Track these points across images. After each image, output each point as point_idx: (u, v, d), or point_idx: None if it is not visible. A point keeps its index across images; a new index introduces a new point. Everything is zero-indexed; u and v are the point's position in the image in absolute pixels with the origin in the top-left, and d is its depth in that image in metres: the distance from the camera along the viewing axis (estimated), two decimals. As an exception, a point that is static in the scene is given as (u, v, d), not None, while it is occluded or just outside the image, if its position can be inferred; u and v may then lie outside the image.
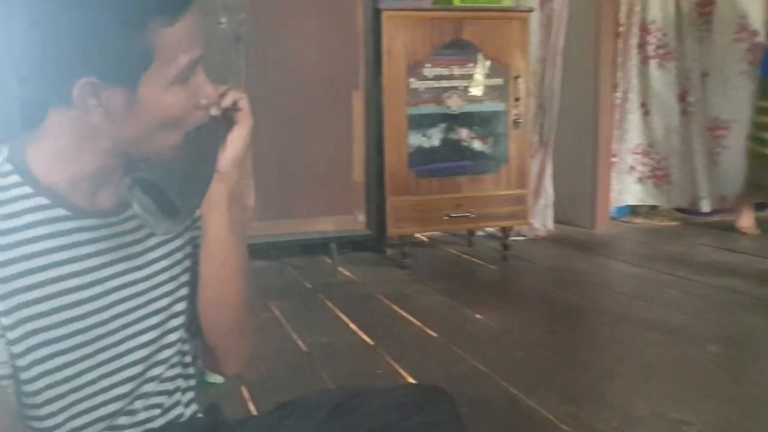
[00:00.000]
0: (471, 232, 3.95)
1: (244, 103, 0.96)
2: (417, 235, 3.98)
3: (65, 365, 0.88)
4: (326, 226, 3.35)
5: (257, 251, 3.55)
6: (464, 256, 3.81)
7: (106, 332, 0.92)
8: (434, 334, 2.55)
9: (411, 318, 2.73)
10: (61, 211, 0.87)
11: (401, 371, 2.21)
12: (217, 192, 0.95)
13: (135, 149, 0.88)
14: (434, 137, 3.52)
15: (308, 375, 2.20)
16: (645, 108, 4.50)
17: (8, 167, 0.85)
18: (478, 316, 2.76)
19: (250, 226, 3.21)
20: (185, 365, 1.06)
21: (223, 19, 3.05)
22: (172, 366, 1.03)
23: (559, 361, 2.31)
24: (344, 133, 3.34)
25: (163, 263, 1.00)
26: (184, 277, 1.03)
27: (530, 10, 3.61)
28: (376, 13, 3.29)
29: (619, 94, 4.44)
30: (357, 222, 3.40)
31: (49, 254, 0.85)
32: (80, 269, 0.89)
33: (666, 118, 4.45)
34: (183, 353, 1.05)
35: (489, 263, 3.62)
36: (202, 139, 0.91)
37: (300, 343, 2.48)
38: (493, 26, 3.42)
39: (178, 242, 1.02)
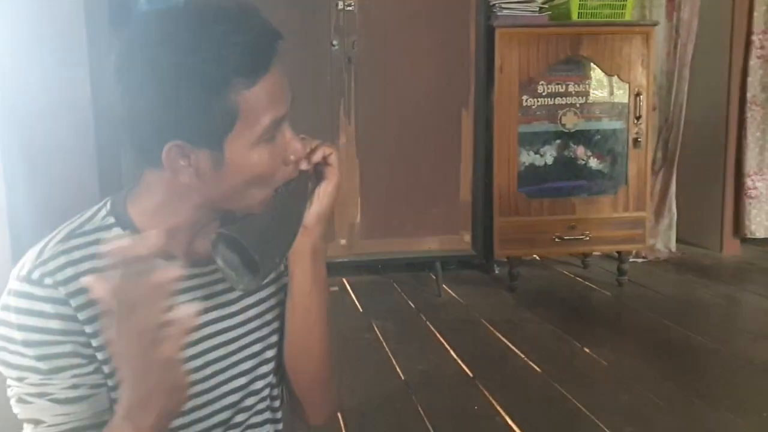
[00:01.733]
0: (586, 254, 3.78)
1: (333, 159, 0.96)
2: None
3: None
4: (431, 245, 3.33)
5: (363, 268, 3.60)
6: (577, 278, 3.66)
7: (200, 378, 0.95)
8: (538, 369, 2.46)
9: (515, 348, 2.65)
10: (157, 261, 0.90)
11: (498, 408, 2.15)
12: (302, 245, 0.95)
13: (226, 205, 0.91)
14: (547, 156, 3.40)
15: (402, 407, 2.19)
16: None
17: (111, 220, 0.91)
18: (586, 350, 2.63)
19: (356, 243, 3.25)
20: (274, 410, 1.07)
21: (335, 42, 3.10)
22: (260, 412, 1.04)
23: (669, 409, 2.16)
24: (452, 152, 3.30)
25: (256, 310, 1.02)
26: (276, 324, 1.04)
27: (654, 24, 3.40)
28: (489, 31, 3.22)
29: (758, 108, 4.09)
30: (463, 242, 3.35)
31: None
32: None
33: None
34: (272, 398, 1.06)
35: (603, 288, 3.46)
36: (290, 194, 0.92)
37: (398, 369, 2.47)
38: (613, 41, 3.26)
39: (271, 289, 1.04)
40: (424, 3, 3.18)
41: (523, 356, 2.57)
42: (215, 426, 0.97)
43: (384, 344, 2.71)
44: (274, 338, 1.04)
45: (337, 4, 3.08)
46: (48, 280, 0.83)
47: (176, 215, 0.90)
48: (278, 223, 0.90)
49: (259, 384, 1.02)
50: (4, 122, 1.28)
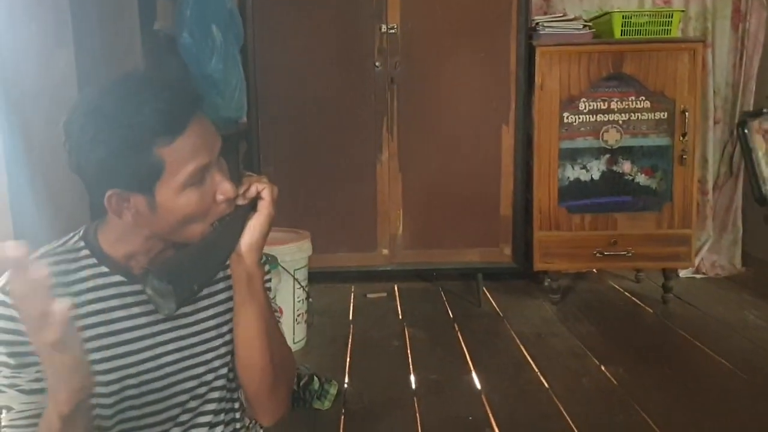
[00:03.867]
0: (638, 269, 3.75)
1: (266, 193, 1.11)
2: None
3: (115, 403, 1.12)
4: (472, 256, 3.45)
5: (415, 275, 3.76)
6: (625, 293, 3.64)
7: (154, 377, 1.15)
8: (545, 384, 2.54)
9: (532, 363, 2.74)
10: (118, 278, 1.12)
11: (492, 420, 2.26)
12: (236, 270, 1.12)
13: (169, 237, 1.10)
14: (594, 171, 3.42)
15: (403, 414, 2.35)
16: None
17: (81, 243, 1.13)
18: (602, 367, 2.68)
19: (398, 253, 3.43)
20: (226, 411, 1.25)
21: (378, 63, 3.28)
22: (203, 414, 1.22)
23: (663, 434, 2.19)
24: (492, 167, 3.40)
25: (212, 322, 1.20)
26: (229, 337, 1.21)
27: (701, 41, 3.32)
28: (530, 49, 3.29)
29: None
30: (503, 254, 3.44)
31: (107, 312, 1.10)
32: (132, 326, 1.12)
33: None
34: (225, 400, 1.25)
35: (648, 305, 3.44)
36: (223, 228, 1.09)
37: (412, 378, 2.63)
38: (658, 58, 3.23)
39: (229, 304, 1.21)
40: (465, 24, 3.29)
41: (536, 371, 2.66)
42: (165, 421, 1.18)
43: (408, 352, 2.87)
44: (224, 350, 1.22)
45: (380, 27, 3.25)
46: None
47: (131, 244, 1.11)
48: (203, 256, 1.09)
49: (203, 389, 1.21)
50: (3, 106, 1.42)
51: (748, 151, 3.31)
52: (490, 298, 3.51)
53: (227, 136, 2.93)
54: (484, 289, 3.47)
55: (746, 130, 3.30)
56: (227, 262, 1.12)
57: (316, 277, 3.20)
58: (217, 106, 2.71)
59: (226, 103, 2.72)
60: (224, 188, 1.06)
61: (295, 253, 2.79)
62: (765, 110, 3.35)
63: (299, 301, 2.85)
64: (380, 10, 3.25)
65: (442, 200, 3.43)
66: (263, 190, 1.11)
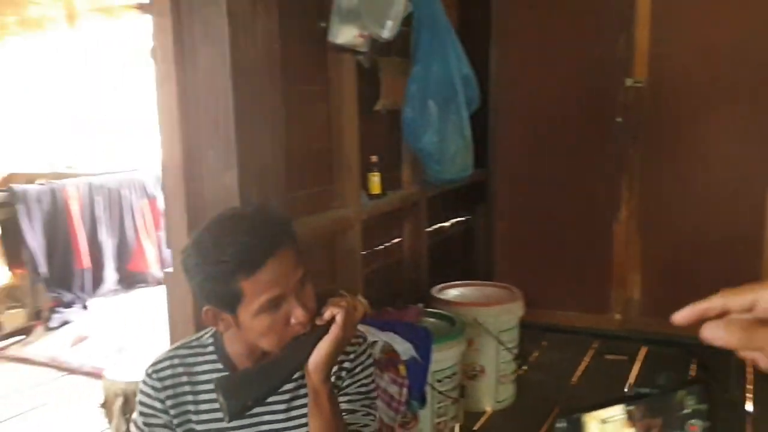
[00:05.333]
0: None
1: (339, 317, 1.23)
2: None
3: None
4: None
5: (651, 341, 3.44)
6: None
7: None
8: None
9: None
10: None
11: None
12: (308, 384, 1.26)
13: (256, 345, 1.31)
14: None
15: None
16: None
17: (210, 340, 1.40)
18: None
19: (632, 319, 3.23)
20: None
21: (619, 118, 3.11)
22: None
23: None
24: (754, 234, 2.97)
25: (299, 411, 1.38)
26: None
27: None
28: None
29: None
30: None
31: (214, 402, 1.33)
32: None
33: None
34: None
35: None
36: (293, 346, 1.25)
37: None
38: None
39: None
40: (722, 79, 2.93)
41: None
42: None
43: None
44: None
45: (624, 81, 3.08)
46: (154, 374, 1.37)
47: (238, 347, 1.35)
48: (266, 372, 1.27)
49: None
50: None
51: None
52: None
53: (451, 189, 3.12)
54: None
55: None
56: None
57: (550, 329, 3.19)
58: (436, 171, 2.91)
59: (444, 168, 2.89)
60: (297, 314, 1.22)
61: (500, 315, 2.84)
62: None
63: (504, 362, 2.90)
64: (627, 65, 3.08)
65: (689, 267, 3.10)
66: (337, 314, 1.23)
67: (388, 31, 2.38)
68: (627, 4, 3.01)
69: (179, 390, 1.36)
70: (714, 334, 0.65)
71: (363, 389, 1.41)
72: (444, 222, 3.69)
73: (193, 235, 1.31)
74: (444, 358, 2.53)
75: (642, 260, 3.17)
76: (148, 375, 1.35)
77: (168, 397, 1.34)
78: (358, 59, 2.57)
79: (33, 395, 3.36)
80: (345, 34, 2.37)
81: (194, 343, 1.40)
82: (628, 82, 3.07)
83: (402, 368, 2.30)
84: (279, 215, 1.37)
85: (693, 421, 0.73)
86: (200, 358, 1.36)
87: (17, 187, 4.00)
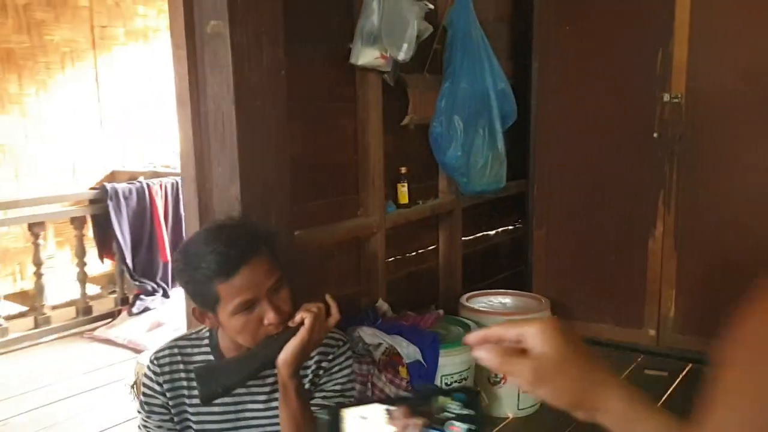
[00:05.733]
0: None
1: (307, 321, 1.40)
2: None
3: None
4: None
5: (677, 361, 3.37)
6: None
7: None
8: None
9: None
10: None
11: None
12: (279, 378, 1.43)
13: (238, 341, 1.51)
14: None
15: None
16: None
17: (207, 334, 1.61)
18: None
19: (666, 336, 3.20)
20: None
21: (655, 134, 3.09)
22: None
23: None
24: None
25: (276, 403, 1.50)
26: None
27: None
28: None
29: None
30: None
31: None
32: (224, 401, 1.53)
33: None
34: None
35: None
36: (264, 344, 1.44)
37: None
38: None
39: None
40: (764, 97, 2.85)
41: None
42: None
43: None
44: (277, 427, 1.54)
45: (662, 97, 3.06)
46: (155, 361, 1.58)
47: (226, 341, 1.54)
48: (237, 365, 1.47)
49: None
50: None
51: None
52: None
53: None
54: None
55: None
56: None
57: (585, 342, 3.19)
58: (464, 183, 3.03)
59: (472, 180, 3.00)
60: (269, 316, 1.42)
61: (523, 324, 2.92)
62: None
63: (525, 371, 2.97)
64: (664, 80, 3.05)
65: (727, 285, 3.01)
66: (306, 318, 1.41)
67: (403, 53, 2.53)
68: (666, 19, 2.99)
69: (176, 376, 1.59)
70: (480, 354, 0.80)
71: (338, 387, 1.56)
72: (489, 231, 3.78)
73: (182, 244, 1.55)
74: (453, 362, 2.64)
75: (677, 277, 3.13)
76: (151, 361, 1.58)
77: (165, 381, 1.54)
78: (384, 77, 2.73)
79: (111, 373, 3.78)
80: (366, 56, 2.55)
81: (193, 336, 1.62)
82: (666, 97, 3.04)
83: (403, 370, 2.46)
84: (257, 227, 1.58)
85: (456, 423, 0.87)
86: (196, 350, 1.57)
87: (108, 185, 4.47)
